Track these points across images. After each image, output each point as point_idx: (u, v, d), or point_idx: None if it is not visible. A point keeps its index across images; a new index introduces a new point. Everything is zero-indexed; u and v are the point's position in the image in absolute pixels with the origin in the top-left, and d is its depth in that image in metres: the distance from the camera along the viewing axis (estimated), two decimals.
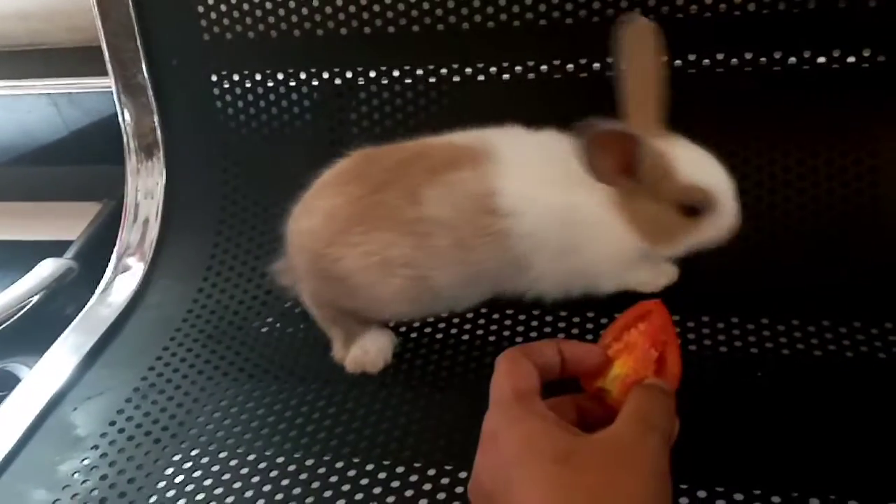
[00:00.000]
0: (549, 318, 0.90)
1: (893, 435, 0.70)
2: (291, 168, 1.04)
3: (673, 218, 0.76)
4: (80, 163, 1.45)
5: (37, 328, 1.08)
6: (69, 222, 1.31)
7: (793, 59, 0.90)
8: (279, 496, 0.73)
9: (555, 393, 0.61)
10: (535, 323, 0.90)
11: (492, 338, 0.89)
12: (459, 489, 0.71)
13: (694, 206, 0.75)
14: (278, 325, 0.96)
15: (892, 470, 0.67)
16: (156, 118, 1.08)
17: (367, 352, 0.86)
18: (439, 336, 0.90)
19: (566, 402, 0.61)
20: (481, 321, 0.91)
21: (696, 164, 0.75)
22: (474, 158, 0.79)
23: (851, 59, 0.89)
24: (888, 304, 0.84)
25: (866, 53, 0.88)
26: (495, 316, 0.91)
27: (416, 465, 0.74)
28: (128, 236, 1.07)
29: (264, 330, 0.95)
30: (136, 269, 1.05)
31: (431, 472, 0.73)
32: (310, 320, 0.93)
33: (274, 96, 1.06)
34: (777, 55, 0.91)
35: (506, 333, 0.89)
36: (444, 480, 0.72)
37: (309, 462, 0.76)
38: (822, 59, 0.90)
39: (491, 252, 0.79)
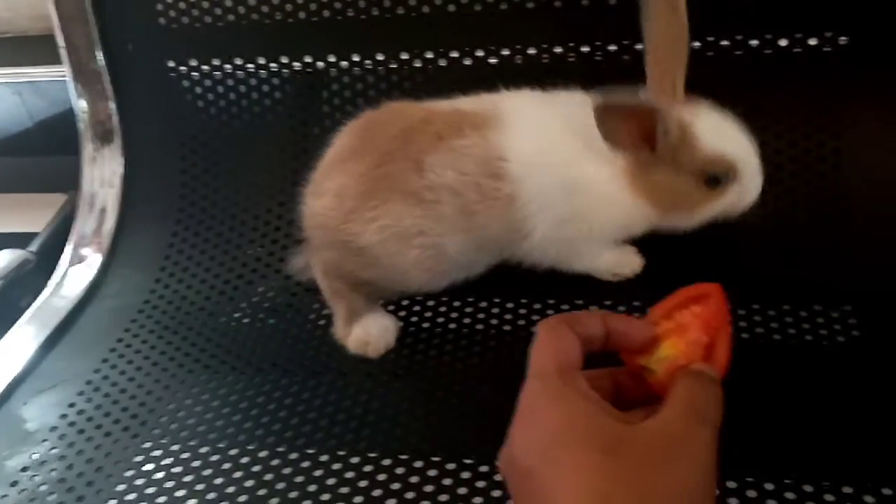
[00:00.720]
0: (537, 306, 0.88)
1: (849, 417, 0.70)
2: (253, 156, 1.04)
3: (693, 188, 0.75)
4: (44, 153, 1.42)
5: None
6: (34, 214, 1.28)
7: (754, 42, 0.89)
8: (235, 489, 0.71)
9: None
10: (522, 311, 0.88)
11: (479, 326, 0.87)
12: (413, 478, 0.70)
13: (716, 177, 0.74)
14: (237, 315, 0.94)
15: (852, 451, 0.67)
16: (112, 105, 1.06)
17: (370, 333, 0.85)
18: (412, 326, 0.89)
19: (604, 376, 0.58)
20: (463, 310, 0.90)
21: (720, 134, 0.74)
22: (481, 124, 0.79)
23: (814, 42, 0.88)
24: (848, 288, 0.83)
25: (828, 35, 0.88)
26: (482, 304, 0.89)
27: (371, 454, 0.73)
28: (83, 226, 1.05)
29: (223, 320, 0.93)
30: (93, 260, 1.03)
31: (387, 461, 0.72)
32: (271, 311, 0.93)
33: (233, 82, 1.04)
34: (738, 38, 0.90)
35: (493, 322, 0.87)
36: (399, 470, 0.70)
37: (263, 454, 0.74)
38: (784, 42, 0.89)
39: (495, 217, 0.78)
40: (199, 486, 0.72)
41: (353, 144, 0.83)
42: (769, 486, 0.65)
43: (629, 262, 0.88)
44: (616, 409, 0.51)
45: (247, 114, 1.04)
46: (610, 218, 0.80)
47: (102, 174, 1.06)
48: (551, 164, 0.78)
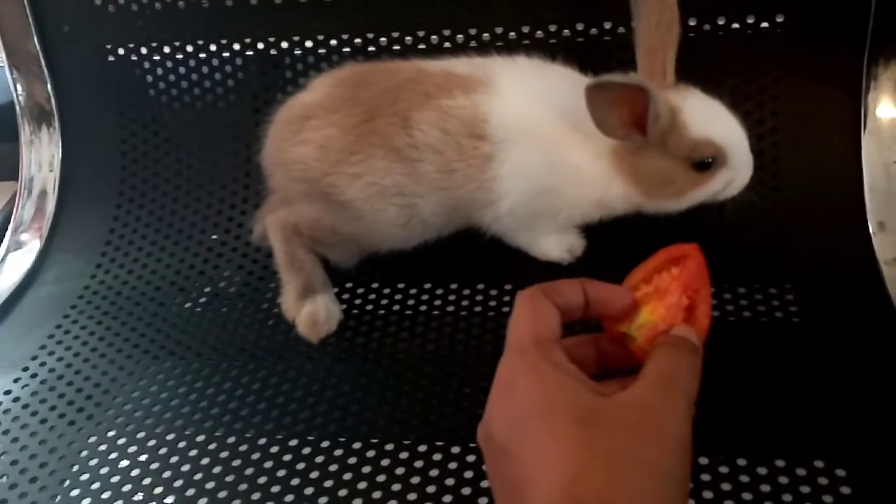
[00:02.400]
0: (493, 293, 0.87)
1: (803, 391, 0.71)
2: (196, 141, 1.02)
3: (682, 173, 0.75)
4: None
5: None
6: None
7: (692, 21, 0.89)
8: (181, 481, 0.70)
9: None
10: (479, 297, 0.87)
11: (434, 312, 0.86)
12: (365, 463, 0.69)
13: (705, 161, 0.74)
14: (181, 302, 0.93)
15: (787, 425, 0.67)
16: (49, 88, 1.04)
17: (320, 313, 0.83)
18: (368, 311, 0.88)
19: (586, 343, 0.58)
20: (422, 295, 0.89)
21: (709, 118, 0.74)
22: (471, 86, 0.78)
23: (751, 20, 0.89)
24: (786, 267, 0.84)
25: (765, 13, 0.88)
26: (439, 291, 0.89)
27: (310, 437, 0.72)
28: (22, 212, 1.03)
29: (166, 307, 0.92)
30: (32, 245, 1.01)
31: (325, 443, 0.71)
32: (217, 297, 0.91)
33: (171, 64, 1.02)
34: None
35: (449, 309, 0.86)
36: (370, 454, 0.70)
37: (211, 444, 0.73)
38: (721, 21, 0.89)
39: (472, 176, 0.78)
40: (146, 481, 0.71)
41: (341, 95, 0.82)
42: (723, 469, 0.64)
43: (571, 247, 0.88)
44: (593, 381, 0.51)
45: (187, 96, 1.03)
46: (586, 198, 0.80)
47: (41, 158, 1.05)
48: (534, 133, 0.78)
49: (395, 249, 0.88)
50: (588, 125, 0.72)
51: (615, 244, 0.83)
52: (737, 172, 0.75)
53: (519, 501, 0.46)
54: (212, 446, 0.72)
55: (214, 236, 0.99)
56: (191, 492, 0.68)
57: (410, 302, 0.87)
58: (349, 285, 0.91)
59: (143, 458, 0.73)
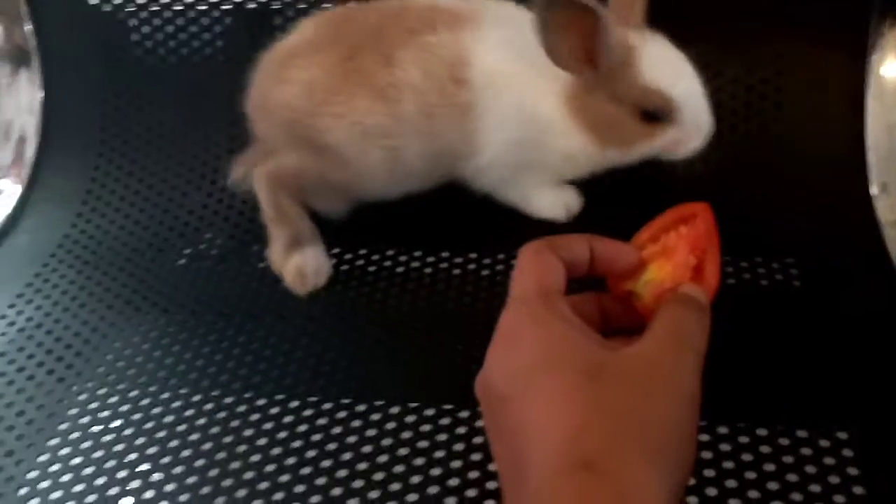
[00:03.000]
0: (486, 261, 0.84)
1: (804, 355, 0.69)
2: (182, 87, 0.99)
3: (628, 121, 0.71)
4: None
5: None
6: None
7: None
8: (166, 434, 0.68)
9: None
10: (471, 266, 0.84)
11: (426, 278, 0.83)
12: (359, 422, 0.67)
13: (654, 113, 0.70)
14: (163, 253, 0.90)
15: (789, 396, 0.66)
16: (28, 27, 1.00)
17: (308, 266, 0.81)
18: (356, 270, 0.85)
19: (589, 302, 0.56)
20: (414, 260, 0.86)
21: (666, 68, 0.69)
22: (456, 23, 0.75)
23: None
24: (788, 228, 0.82)
25: None
26: (430, 259, 0.85)
27: (297, 392, 0.70)
28: (0, 157, 0.99)
29: (149, 259, 0.89)
30: (12, 192, 0.98)
31: (327, 405, 0.69)
32: (197, 251, 0.89)
33: (157, 8, 0.98)
34: None
35: (441, 275, 0.83)
36: (340, 414, 0.68)
37: (196, 397, 0.71)
38: None
39: (452, 125, 0.76)
40: (127, 431, 0.68)
41: (326, 35, 0.80)
42: (723, 430, 0.63)
43: (567, 204, 0.85)
44: (598, 335, 0.49)
45: (172, 41, 0.99)
46: (556, 151, 0.77)
47: (19, 101, 1.01)
48: (513, 79, 0.74)
49: (382, 198, 0.85)
50: (555, 70, 0.69)
51: (621, 205, 0.80)
52: (687, 134, 0.71)
53: (519, 453, 0.44)
54: (195, 398, 0.70)
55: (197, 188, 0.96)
56: (174, 443, 0.67)
57: (400, 269, 0.84)
58: (336, 251, 0.88)
59: (125, 408, 0.71)
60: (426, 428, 0.65)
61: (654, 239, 0.57)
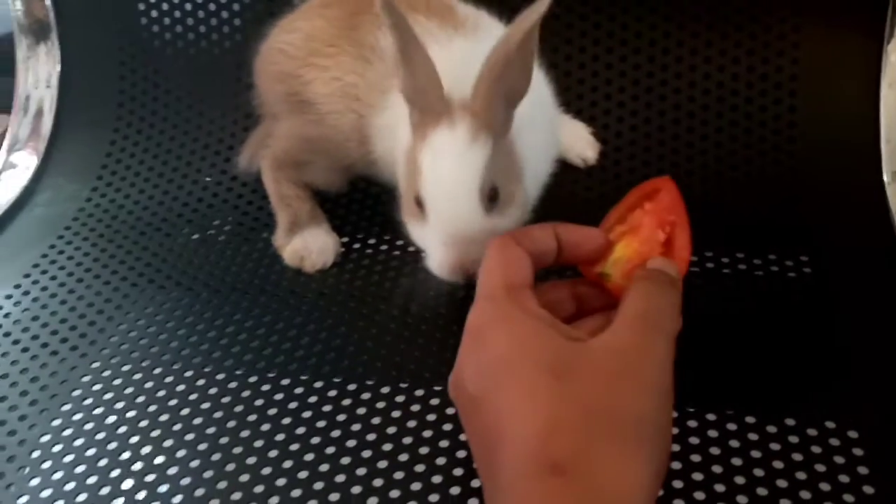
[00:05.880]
0: None
1: (814, 345, 0.69)
2: (199, 61, 0.99)
3: (412, 205, 0.65)
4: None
5: None
6: None
7: None
8: (189, 410, 0.67)
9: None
10: None
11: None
12: (368, 404, 0.67)
13: (420, 202, 0.64)
14: (174, 230, 0.90)
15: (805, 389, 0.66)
16: (48, 1, 1.00)
17: (308, 247, 0.82)
18: (368, 250, 0.85)
19: (561, 289, 0.56)
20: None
21: (441, 157, 0.61)
22: (452, 21, 0.75)
23: None
24: (799, 215, 0.83)
25: None
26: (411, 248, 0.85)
27: (303, 377, 0.71)
28: (18, 129, 1.00)
29: (163, 235, 0.90)
30: (28, 164, 0.99)
31: (351, 387, 0.69)
32: (208, 229, 0.89)
33: None
34: None
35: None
36: (365, 395, 0.67)
37: (189, 373, 0.71)
38: None
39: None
40: (140, 399, 0.69)
41: None
42: (731, 426, 0.62)
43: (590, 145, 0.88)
44: (567, 326, 0.48)
45: (190, 18, 1.00)
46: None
47: (38, 74, 1.01)
48: None
49: (367, 175, 0.86)
50: None
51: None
52: (433, 234, 0.64)
53: (492, 454, 0.44)
54: (200, 382, 0.70)
55: (208, 178, 0.96)
56: (185, 412, 0.67)
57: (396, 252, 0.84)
58: (345, 239, 0.87)
59: (137, 376, 0.71)
60: (415, 406, 0.66)
61: (622, 220, 0.57)
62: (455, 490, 0.58)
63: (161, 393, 0.69)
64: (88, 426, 0.66)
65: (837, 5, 0.88)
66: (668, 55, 0.91)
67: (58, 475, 0.62)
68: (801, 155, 0.86)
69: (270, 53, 0.84)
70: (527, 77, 0.62)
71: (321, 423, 0.64)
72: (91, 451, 0.64)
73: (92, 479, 0.62)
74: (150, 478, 0.61)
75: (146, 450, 0.64)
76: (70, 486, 0.61)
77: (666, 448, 0.44)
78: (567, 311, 0.55)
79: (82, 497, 0.60)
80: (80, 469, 0.62)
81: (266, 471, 0.61)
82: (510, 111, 0.63)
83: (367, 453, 0.61)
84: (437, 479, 0.59)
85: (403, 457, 0.61)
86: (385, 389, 0.67)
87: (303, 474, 0.60)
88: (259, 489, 0.59)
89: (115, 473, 0.62)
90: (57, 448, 0.65)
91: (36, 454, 0.64)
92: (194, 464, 0.62)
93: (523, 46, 0.58)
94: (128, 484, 0.61)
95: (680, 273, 0.53)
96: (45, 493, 0.61)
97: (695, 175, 0.87)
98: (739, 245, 0.80)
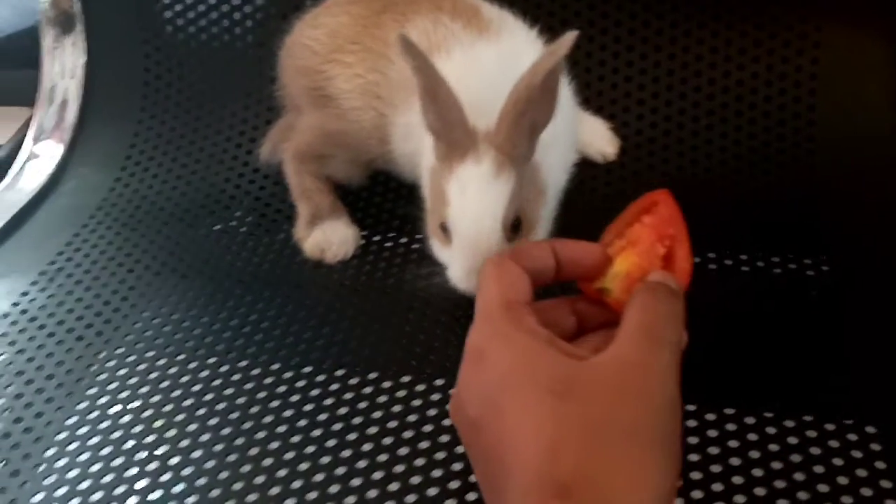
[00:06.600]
0: None
1: (832, 345, 0.69)
2: (225, 53, 1.00)
3: (437, 229, 0.68)
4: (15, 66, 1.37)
5: None
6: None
7: None
8: (194, 399, 0.69)
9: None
10: None
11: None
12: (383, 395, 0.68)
13: (446, 228, 0.66)
14: (197, 221, 0.91)
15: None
16: None
17: (329, 239, 0.83)
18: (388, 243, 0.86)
19: (562, 307, 0.54)
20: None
21: (467, 190, 0.63)
22: (478, 25, 0.76)
23: None
24: (818, 214, 0.83)
25: None
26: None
27: (324, 366, 0.72)
28: (43, 119, 1.01)
29: (185, 226, 0.91)
30: (53, 153, 1.00)
31: (354, 380, 0.70)
32: (231, 221, 0.90)
33: None
34: None
35: None
36: (367, 389, 0.68)
37: (212, 360, 0.72)
38: None
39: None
40: (164, 384, 0.70)
41: None
42: (749, 420, 0.63)
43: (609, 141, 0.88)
44: (567, 344, 0.47)
45: (214, 12, 1.01)
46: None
47: (63, 64, 1.03)
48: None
49: (387, 170, 0.87)
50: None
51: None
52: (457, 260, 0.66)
53: (495, 479, 0.43)
54: (223, 368, 0.71)
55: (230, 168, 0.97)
56: (208, 397, 0.68)
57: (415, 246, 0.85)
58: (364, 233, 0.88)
59: (161, 362, 0.72)
60: (417, 401, 0.66)
61: (620, 234, 0.56)
62: (454, 484, 0.59)
63: (190, 366, 0.71)
64: (104, 424, 0.67)
65: (858, 5, 0.88)
66: (688, 53, 0.92)
67: (73, 473, 0.63)
68: (820, 154, 0.86)
69: (295, 48, 0.85)
70: (550, 110, 0.63)
71: (338, 412, 0.66)
72: (107, 450, 0.64)
73: (117, 461, 0.63)
74: (174, 461, 0.62)
75: (162, 449, 0.64)
76: (85, 484, 0.62)
77: (676, 461, 0.43)
78: (568, 328, 0.54)
79: (97, 496, 0.61)
80: (95, 468, 0.63)
81: (280, 469, 0.62)
82: (534, 141, 0.64)
83: (367, 446, 0.63)
84: (436, 473, 0.60)
85: (403, 451, 0.62)
86: (405, 378, 0.68)
87: (303, 466, 0.62)
88: (274, 491, 0.60)
89: (141, 454, 0.63)
90: (72, 446, 0.65)
91: (50, 452, 0.65)
92: (217, 447, 0.63)
93: (547, 82, 0.59)
94: (142, 483, 0.61)
95: (682, 286, 0.52)
96: (60, 492, 0.61)
97: (713, 172, 0.88)
98: (756, 243, 0.80)
